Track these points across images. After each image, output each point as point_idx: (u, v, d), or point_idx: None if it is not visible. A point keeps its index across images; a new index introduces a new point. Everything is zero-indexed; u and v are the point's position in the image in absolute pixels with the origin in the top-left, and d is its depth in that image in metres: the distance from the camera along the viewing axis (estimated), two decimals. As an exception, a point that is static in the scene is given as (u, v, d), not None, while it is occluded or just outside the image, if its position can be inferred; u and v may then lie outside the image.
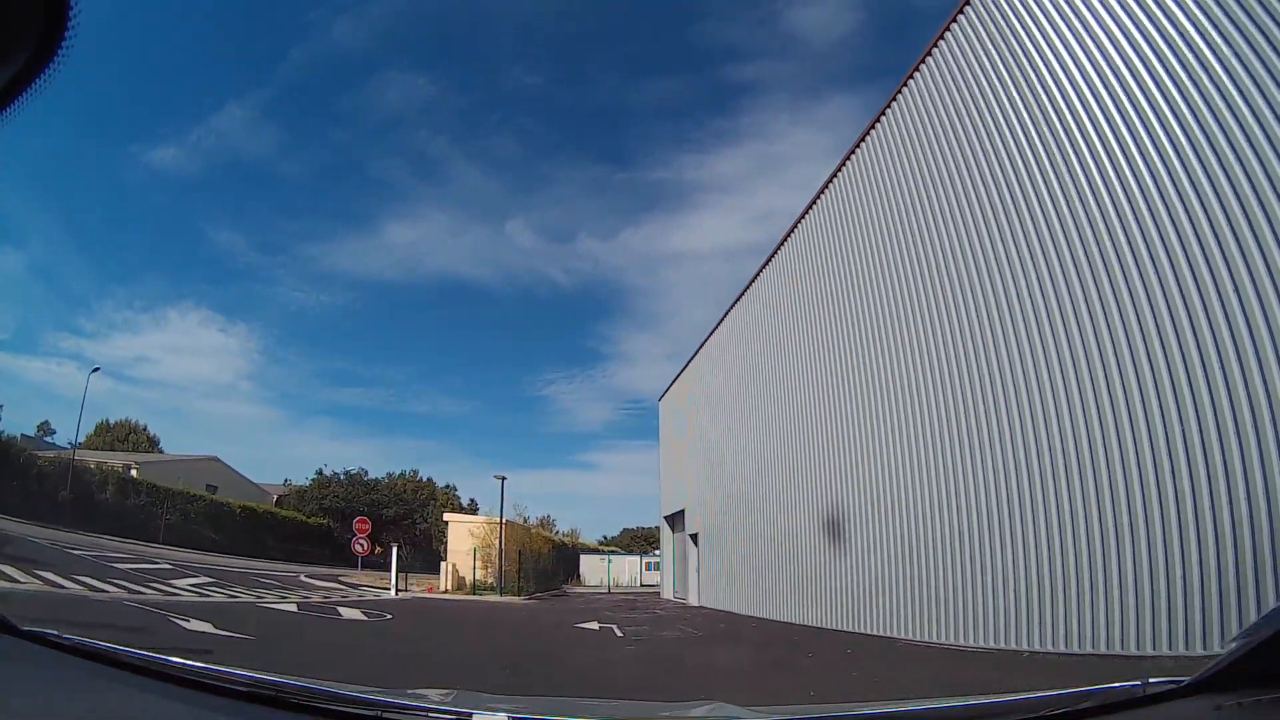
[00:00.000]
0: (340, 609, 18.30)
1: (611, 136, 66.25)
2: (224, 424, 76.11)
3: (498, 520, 31.30)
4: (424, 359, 76.80)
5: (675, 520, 33.72)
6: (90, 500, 35.22)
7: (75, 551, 22.18)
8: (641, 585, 48.26)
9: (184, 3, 54.04)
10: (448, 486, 66.73)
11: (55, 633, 2.43)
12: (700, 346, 30.27)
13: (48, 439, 46.52)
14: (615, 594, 38.13)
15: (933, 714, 2.36)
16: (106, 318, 66.35)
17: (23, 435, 38.94)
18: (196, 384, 75.77)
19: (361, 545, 33.21)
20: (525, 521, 33.47)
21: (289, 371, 71.74)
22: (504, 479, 31.25)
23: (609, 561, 51.14)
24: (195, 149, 63.74)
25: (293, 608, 17.32)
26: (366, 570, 34.55)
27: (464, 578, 30.91)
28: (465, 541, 31.13)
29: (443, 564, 30.97)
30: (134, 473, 43.13)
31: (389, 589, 27.26)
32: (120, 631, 8.83)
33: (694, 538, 29.69)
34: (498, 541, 30.57)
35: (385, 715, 2.05)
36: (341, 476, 61.84)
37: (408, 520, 61.17)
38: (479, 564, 30.37)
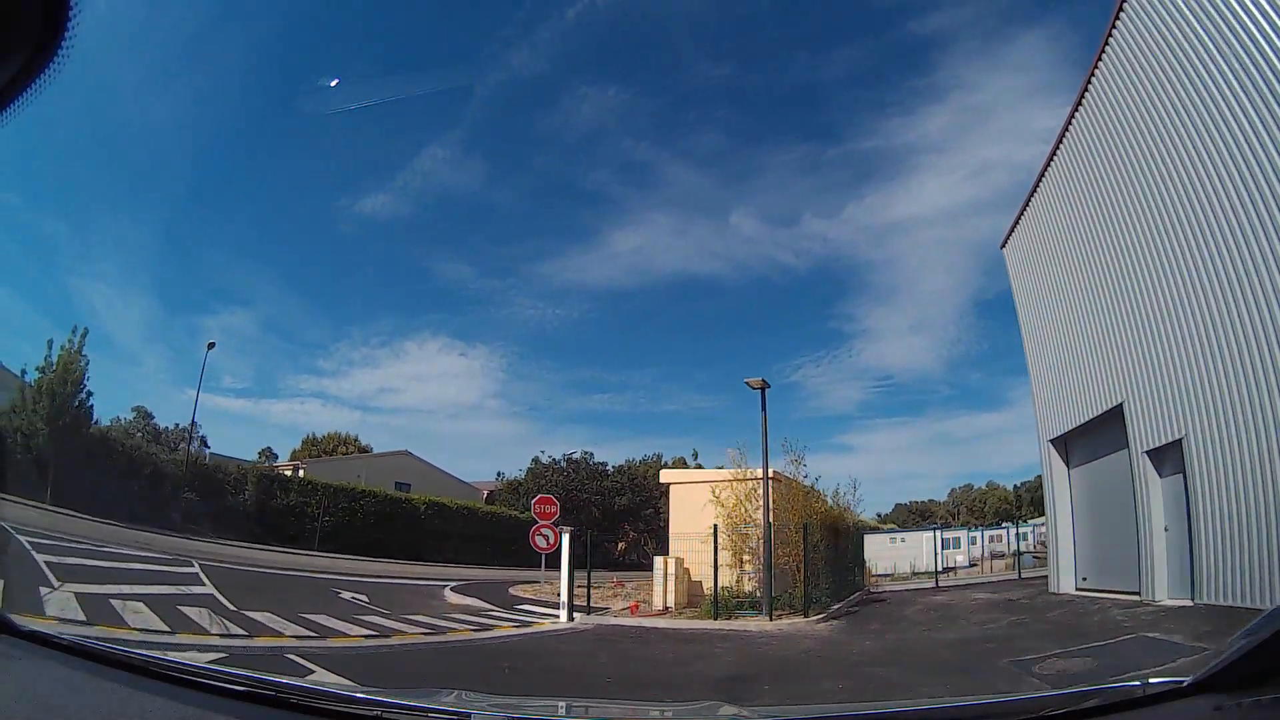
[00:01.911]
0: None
1: (812, 113, 67.65)
2: (473, 441, 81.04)
3: (756, 473, 17.49)
4: (668, 359, 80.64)
5: (1083, 439, 19.04)
6: (219, 502, 27.23)
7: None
8: (943, 570, 32.70)
9: (366, 62, 56.26)
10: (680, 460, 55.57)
11: (55, 633, 2.59)
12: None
13: (207, 449, 40.97)
14: (967, 590, 22.02)
15: (933, 714, 2.50)
16: (345, 356, 70.61)
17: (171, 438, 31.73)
18: (443, 407, 79.28)
19: (544, 538, 21.33)
20: (803, 478, 19.12)
21: (535, 385, 76.43)
22: (765, 387, 17.34)
23: (900, 542, 39.52)
24: (404, 192, 68.04)
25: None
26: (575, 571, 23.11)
27: (699, 582, 17.45)
28: (697, 516, 17.72)
29: (659, 562, 17.61)
30: (300, 473, 36.05)
31: (558, 610, 14.69)
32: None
33: (1155, 456, 14.65)
34: (762, 512, 16.72)
35: (385, 715, 2.06)
36: (562, 463, 52.67)
37: (647, 510, 50.97)
38: (730, 555, 16.80)
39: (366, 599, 15.89)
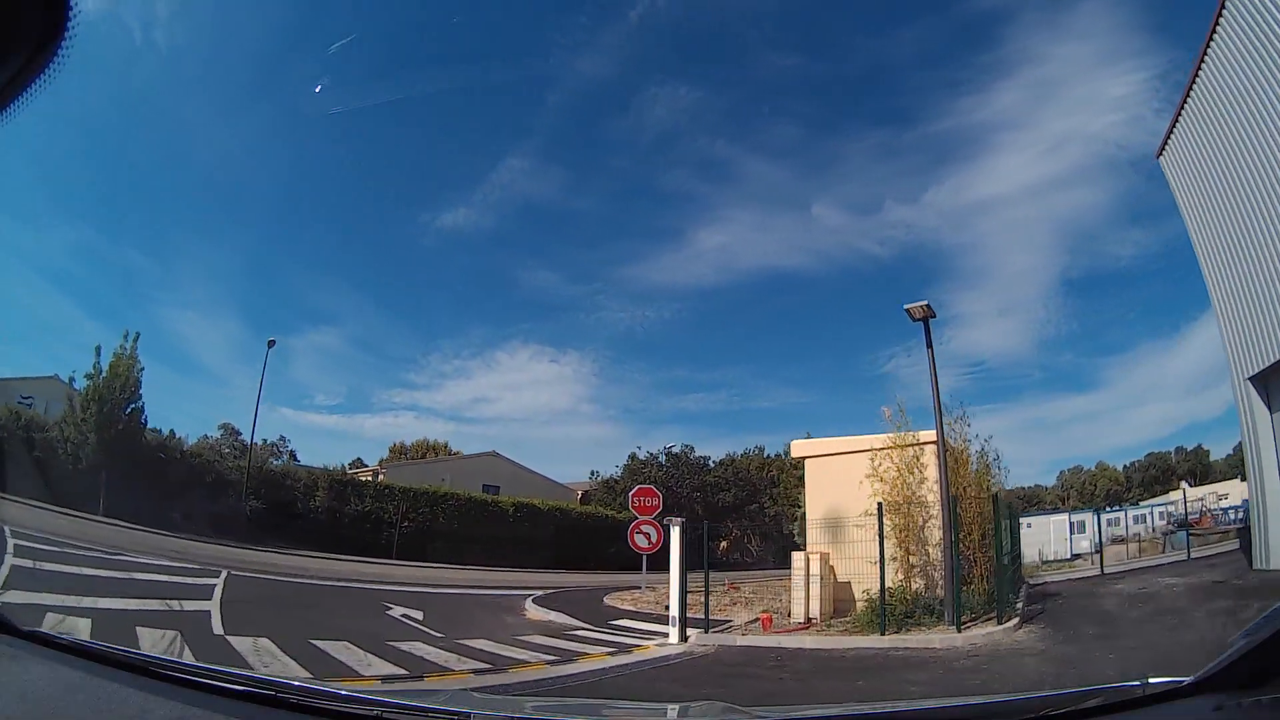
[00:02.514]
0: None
1: (884, 98, 64.76)
2: (569, 446, 79.72)
3: (920, 437, 13.59)
4: (759, 355, 77.09)
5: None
6: (286, 511, 25.12)
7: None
8: (1072, 556, 27.85)
9: (437, 79, 51.86)
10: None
11: (55, 632, 2.61)
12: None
13: (277, 460, 39.21)
14: (1144, 575, 16.25)
15: (933, 714, 2.54)
16: (436, 369, 69.49)
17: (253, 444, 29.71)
18: (537, 414, 76.51)
19: (645, 536, 17.46)
20: (965, 445, 14.41)
21: (628, 388, 73.39)
22: (929, 315, 12.96)
23: (1027, 527, 32.06)
24: (485, 204, 66.22)
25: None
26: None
27: (846, 583, 13.17)
28: (842, 496, 13.40)
29: (798, 559, 13.27)
30: (380, 478, 33.98)
31: (666, 627, 10.66)
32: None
33: None
34: (939, 484, 12.35)
35: (385, 715, 2.05)
36: (661, 458, 48.55)
37: (752, 505, 46.79)
38: (891, 545, 12.38)
39: (421, 616, 12.36)
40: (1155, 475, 55.32)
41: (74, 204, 48.20)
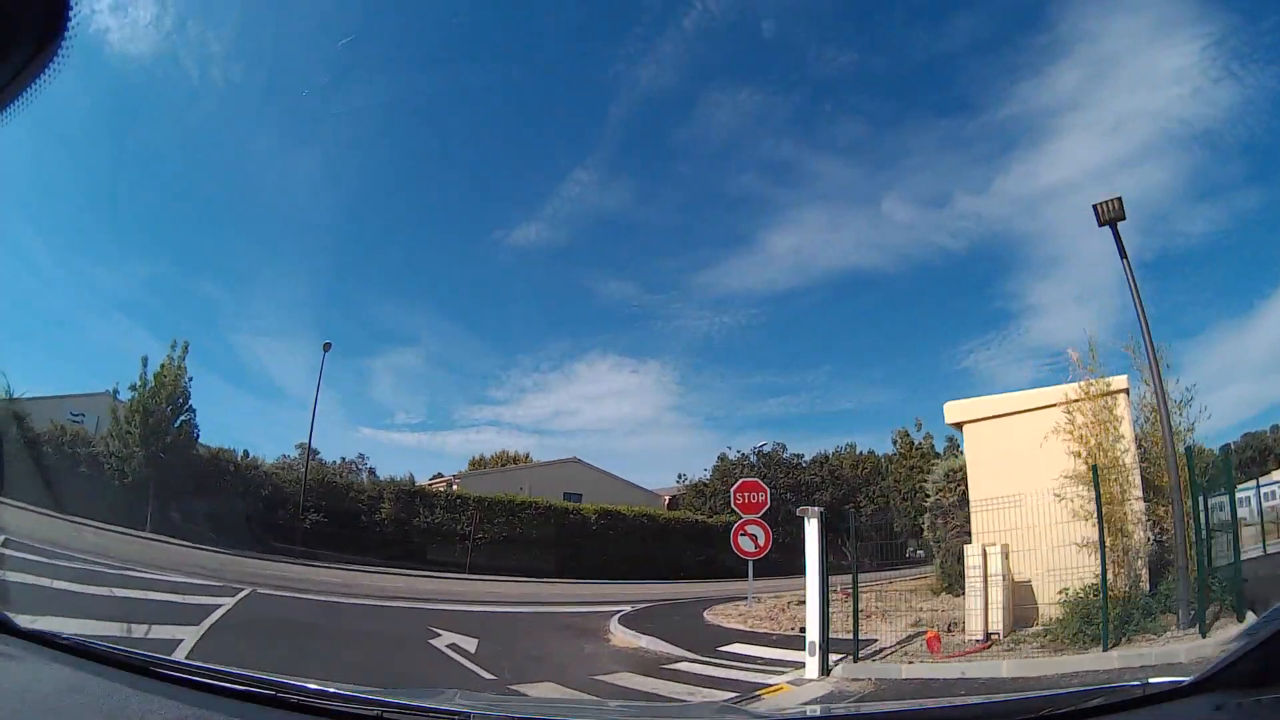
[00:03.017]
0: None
1: (944, 89, 62.45)
2: (654, 456, 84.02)
3: (1111, 383, 9.69)
4: (839, 356, 74.75)
5: None
6: (348, 524, 23.50)
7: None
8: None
9: (502, 101, 57.66)
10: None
11: (56, 632, 2.53)
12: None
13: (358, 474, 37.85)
14: None
15: (933, 714, 2.58)
16: (516, 384, 69.25)
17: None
18: (620, 424, 78.18)
19: (751, 539, 14.39)
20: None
21: (710, 395, 72.81)
22: (1116, 218, 9.32)
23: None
24: (556, 219, 65.57)
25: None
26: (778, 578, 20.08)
27: (1026, 583, 9.67)
28: (1015, 468, 9.76)
29: (972, 553, 9.68)
30: (454, 487, 32.32)
31: (791, 653, 7.29)
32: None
33: None
34: (1163, 441, 8.73)
35: (385, 715, 2.06)
36: (752, 457, 45.56)
37: (848, 505, 42.75)
38: (1087, 528, 8.69)
39: (474, 647, 9.52)
40: (1252, 456, 49.99)
41: (146, 240, 49.45)
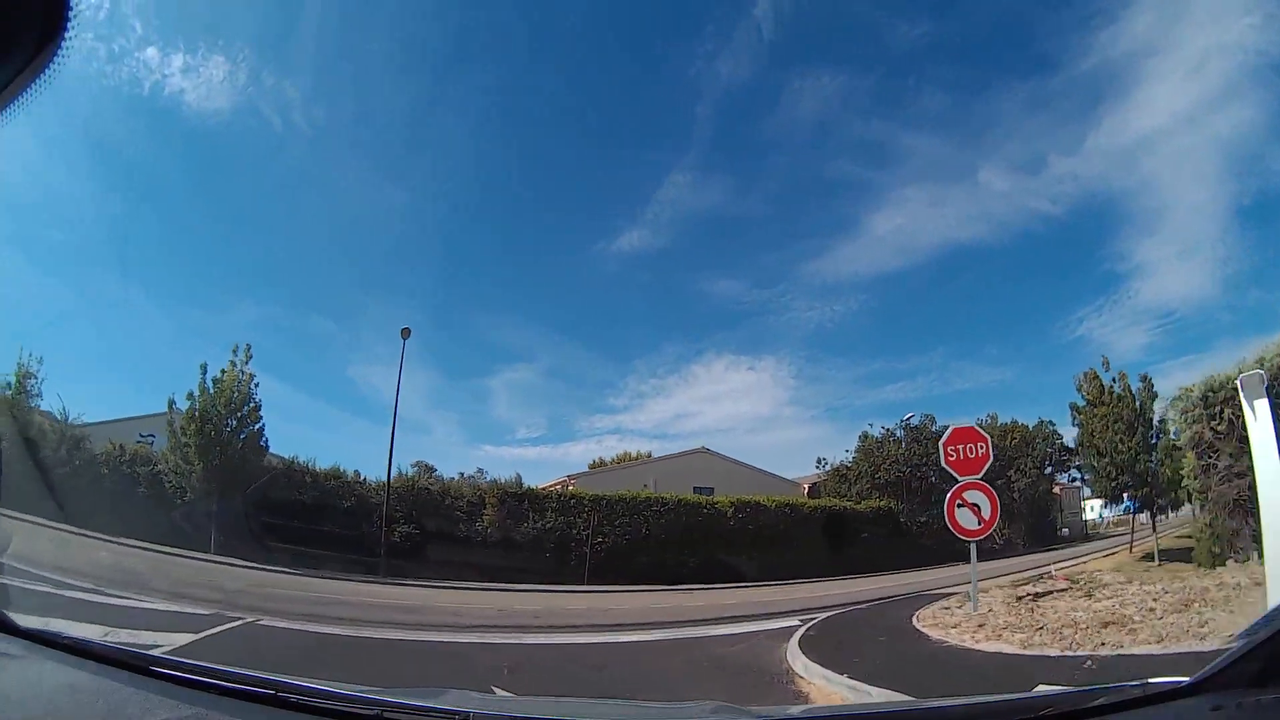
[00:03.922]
0: None
1: (1021, 48, 59.32)
2: (776, 452, 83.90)
3: None
4: (952, 336, 73.14)
5: None
6: (442, 536, 20.23)
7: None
8: None
9: (591, 116, 59.19)
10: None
11: (56, 632, 2.56)
12: None
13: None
14: None
15: (933, 714, 2.54)
16: (635, 390, 71.36)
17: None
18: (740, 423, 78.53)
19: (974, 510, 10.51)
20: None
21: (827, 386, 72.55)
22: None
23: None
24: (657, 223, 65.52)
25: None
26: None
27: None
28: None
29: None
30: (571, 487, 28.62)
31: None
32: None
33: None
34: None
35: (385, 715, 2.05)
36: (899, 432, 40.71)
37: (999, 480, 37.64)
38: None
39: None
40: None
41: (253, 284, 52.02)
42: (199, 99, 46.92)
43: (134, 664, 2.33)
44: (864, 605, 14.01)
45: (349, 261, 58.46)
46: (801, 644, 8.40)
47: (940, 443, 11.55)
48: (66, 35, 1.30)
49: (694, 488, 31.12)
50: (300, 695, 2.10)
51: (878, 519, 33.23)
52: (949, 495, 10.74)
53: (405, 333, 22.39)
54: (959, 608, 10.98)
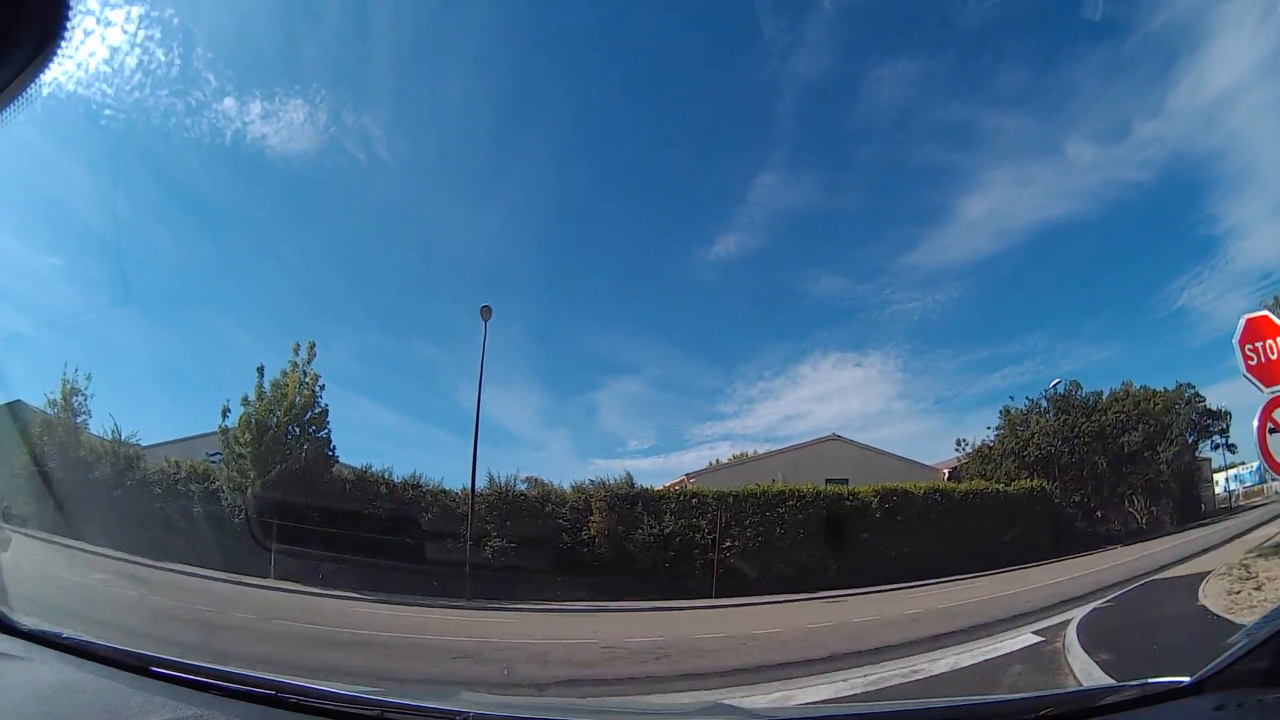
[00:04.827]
0: None
1: (1089, 9, 44.11)
2: (888, 448, 75.64)
3: None
4: (1055, 316, 65.42)
5: None
6: (542, 547, 17.34)
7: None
8: None
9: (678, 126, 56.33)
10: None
11: (56, 632, 2.47)
12: None
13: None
14: None
15: (933, 714, 2.49)
16: (743, 395, 64.03)
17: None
18: (850, 421, 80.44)
19: None
20: None
21: (934, 378, 67.01)
22: None
23: None
24: (750, 226, 60.69)
25: None
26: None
27: None
28: None
29: None
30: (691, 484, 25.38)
31: None
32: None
33: None
34: None
35: (385, 715, 2.05)
36: (1044, 401, 36.36)
37: (1148, 451, 33.49)
38: None
39: None
40: None
41: (357, 317, 50.89)
42: (282, 142, 47.67)
43: (134, 664, 2.30)
44: (1066, 599, 11.07)
45: (448, 288, 57.77)
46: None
47: (1234, 341, 7.67)
48: (66, 35, 1.26)
49: (826, 479, 27.04)
50: (300, 695, 2.09)
51: (1031, 502, 28.35)
52: (1259, 413, 6.72)
53: (485, 311, 19.33)
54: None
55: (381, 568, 14.81)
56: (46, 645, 2.40)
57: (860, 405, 71.85)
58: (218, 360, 44.55)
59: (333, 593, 13.50)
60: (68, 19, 1.26)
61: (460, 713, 2.04)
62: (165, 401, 40.11)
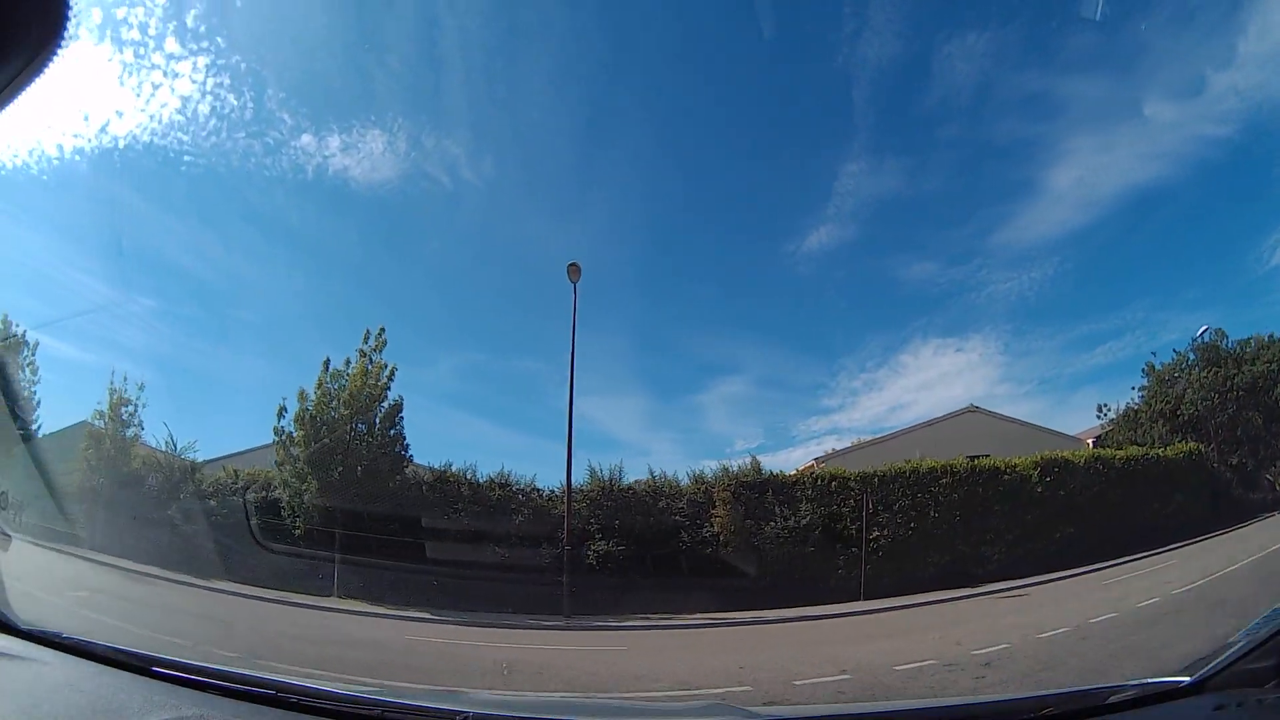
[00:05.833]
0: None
1: None
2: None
3: None
4: (1150, 286, 57.97)
5: None
6: (658, 547, 14.04)
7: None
8: None
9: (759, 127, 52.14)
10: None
11: (57, 632, 2.44)
12: None
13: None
14: None
15: (933, 714, 2.46)
16: (846, 388, 63.50)
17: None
18: (956, 407, 70.09)
19: None
20: None
21: (1037, 358, 61.24)
22: None
23: None
24: (839, 216, 56.65)
25: None
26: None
27: None
28: None
29: None
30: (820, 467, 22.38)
31: None
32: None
33: None
34: None
35: (385, 715, 2.03)
36: (1191, 353, 31.73)
37: None
38: None
39: None
40: None
41: (460, 338, 51.18)
42: (365, 172, 48.14)
43: (134, 664, 2.26)
44: None
45: (542, 303, 59.34)
46: None
47: None
48: (66, 35, 1.23)
49: (966, 455, 23.52)
50: (300, 695, 2.04)
51: (1190, 467, 24.02)
52: None
53: (573, 270, 16.01)
54: None
55: (463, 580, 12.46)
56: (47, 645, 2.37)
57: (964, 391, 72.43)
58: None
59: (404, 612, 11.11)
60: (67, 19, 1.23)
61: (460, 712, 2.01)
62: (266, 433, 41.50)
